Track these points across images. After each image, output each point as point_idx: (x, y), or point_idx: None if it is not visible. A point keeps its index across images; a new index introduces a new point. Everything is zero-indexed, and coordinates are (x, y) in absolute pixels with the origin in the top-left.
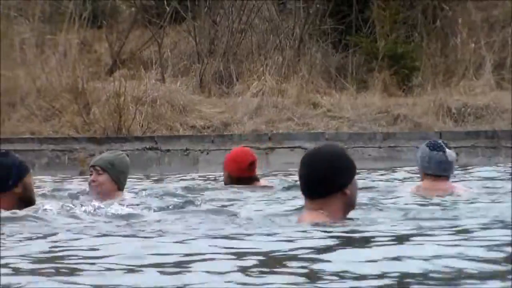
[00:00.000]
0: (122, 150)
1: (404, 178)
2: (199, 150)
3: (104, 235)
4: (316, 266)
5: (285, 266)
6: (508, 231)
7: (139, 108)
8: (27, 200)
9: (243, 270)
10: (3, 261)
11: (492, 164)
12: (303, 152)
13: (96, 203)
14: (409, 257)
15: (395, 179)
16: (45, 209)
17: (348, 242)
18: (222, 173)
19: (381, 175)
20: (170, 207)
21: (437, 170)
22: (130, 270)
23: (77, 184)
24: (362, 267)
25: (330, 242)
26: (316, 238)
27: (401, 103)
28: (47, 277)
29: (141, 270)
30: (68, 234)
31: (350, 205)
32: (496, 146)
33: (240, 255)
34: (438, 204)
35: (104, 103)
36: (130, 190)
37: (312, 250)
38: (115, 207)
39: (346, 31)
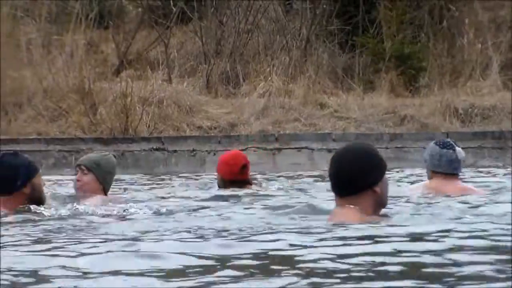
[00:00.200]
0: (129, 151)
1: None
2: (206, 150)
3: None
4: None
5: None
6: None
7: (146, 108)
8: (36, 201)
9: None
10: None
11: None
12: (310, 152)
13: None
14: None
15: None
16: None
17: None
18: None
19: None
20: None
21: (448, 169)
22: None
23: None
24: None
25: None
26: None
27: (408, 104)
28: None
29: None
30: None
31: (381, 203)
32: (503, 147)
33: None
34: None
35: (110, 103)
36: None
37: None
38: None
39: (353, 32)
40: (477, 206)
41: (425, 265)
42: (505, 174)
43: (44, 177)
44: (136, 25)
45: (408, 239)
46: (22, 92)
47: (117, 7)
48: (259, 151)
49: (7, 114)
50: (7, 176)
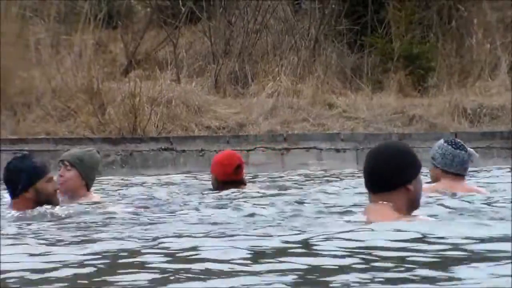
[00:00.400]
0: (137, 151)
1: None
2: (215, 150)
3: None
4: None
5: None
6: None
7: (154, 108)
8: (44, 204)
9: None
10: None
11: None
12: (318, 152)
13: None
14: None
15: None
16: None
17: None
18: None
19: None
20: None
21: (460, 169)
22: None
23: None
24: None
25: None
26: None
27: (417, 104)
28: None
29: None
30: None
31: (414, 202)
32: None
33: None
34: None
35: (119, 103)
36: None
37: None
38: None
39: (362, 32)
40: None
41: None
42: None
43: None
44: (145, 25)
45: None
46: (31, 92)
47: (126, 7)
48: (267, 151)
49: (15, 114)
50: (10, 181)
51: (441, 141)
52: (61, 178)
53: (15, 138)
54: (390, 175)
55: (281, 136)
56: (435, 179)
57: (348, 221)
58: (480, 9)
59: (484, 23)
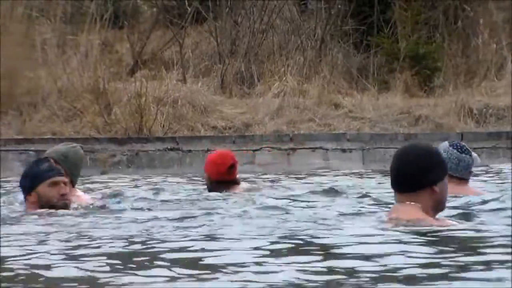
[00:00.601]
0: (143, 151)
1: None
2: None
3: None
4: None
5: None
6: None
7: (161, 108)
8: (47, 208)
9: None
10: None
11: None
12: (324, 152)
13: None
14: None
15: None
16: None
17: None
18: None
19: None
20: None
21: (465, 174)
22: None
23: None
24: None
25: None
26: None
27: (423, 104)
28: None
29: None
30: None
31: (440, 203)
32: None
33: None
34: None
35: (125, 103)
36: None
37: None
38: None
39: (368, 32)
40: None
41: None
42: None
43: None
44: (151, 25)
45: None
46: (37, 92)
47: (132, 7)
48: (273, 151)
49: (22, 114)
50: (20, 184)
51: (446, 144)
52: None
53: (21, 138)
54: (417, 175)
55: (287, 136)
56: None
57: (378, 221)
58: (486, 9)
59: (490, 23)
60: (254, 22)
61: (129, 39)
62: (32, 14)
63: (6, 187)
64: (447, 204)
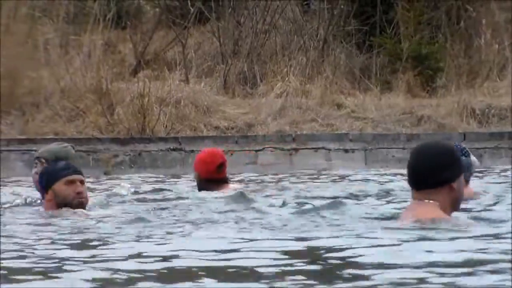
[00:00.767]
0: (146, 151)
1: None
2: (223, 150)
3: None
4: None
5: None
6: None
7: (163, 108)
8: (63, 207)
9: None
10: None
11: None
12: (327, 153)
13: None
14: None
15: None
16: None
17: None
18: (244, 174)
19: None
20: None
21: (465, 175)
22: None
23: None
24: None
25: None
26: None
27: (425, 104)
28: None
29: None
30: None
31: (456, 201)
32: None
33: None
34: None
35: (128, 103)
36: None
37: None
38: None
39: (370, 32)
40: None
41: None
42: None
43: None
44: (154, 25)
45: None
46: (40, 92)
47: (135, 7)
48: (276, 151)
49: (24, 114)
50: (39, 183)
51: None
52: (38, 176)
53: (23, 138)
54: (435, 172)
55: (289, 136)
56: None
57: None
58: (488, 10)
59: (492, 23)
60: (256, 23)
61: (132, 39)
62: (35, 14)
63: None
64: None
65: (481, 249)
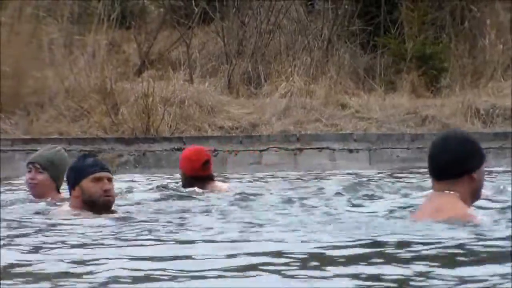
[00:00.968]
0: (150, 151)
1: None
2: (228, 150)
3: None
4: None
5: None
6: None
7: (167, 108)
8: (90, 204)
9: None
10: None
11: None
12: (331, 153)
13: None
14: None
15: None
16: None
17: None
18: (246, 173)
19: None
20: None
21: None
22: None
23: None
24: None
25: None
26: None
27: (429, 104)
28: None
29: None
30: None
31: (476, 191)
32: None
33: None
34: None
35: (132, 103)
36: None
37: None
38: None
39: (375, 32)
40: None
41: None
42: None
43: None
44: (158, 25)
45: None
46: (44, 92)
47: (139, 7)
48: (280, 151)
49: (29, 114)
50: (66, 178)
51: None
52: (33, 181)
53: (28, 138)
54: (456, 162)
55: (294, 136)
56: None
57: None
58: (493, 10)
59: (497, 23)
60: (261, 23)
61: (136, 39)
62: (39, 14)
63: None
64: None
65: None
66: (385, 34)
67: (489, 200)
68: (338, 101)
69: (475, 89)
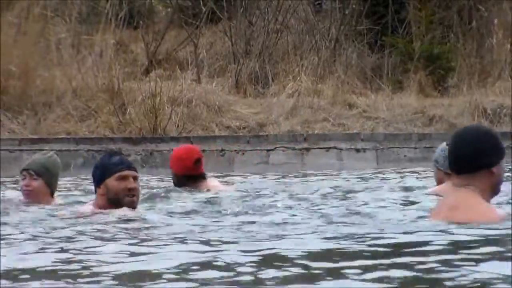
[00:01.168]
0: (158, 151)
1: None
2: (235, 150)
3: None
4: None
5: None
6: None
7: (175, 108)
8: (114, 203)
9: None
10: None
11: None
12: (338, 152)
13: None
14: None
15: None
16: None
17: None
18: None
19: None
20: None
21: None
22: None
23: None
24: None
25: None
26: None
27: (437, 104)
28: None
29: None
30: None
31: (496, 186)
32: None
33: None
34: None
35: (139, 103)
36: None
37: None
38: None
39: (382, 32)
40: None
41: None
42: None
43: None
44: (166, 25)
45: None
46: (52, 91)
47: (147, 7)
48: (287, 151)
49: (36, 113)
50: (92, 176)
51: (444, 144)
52: (28, 188)
53: (36, 137)
54: (476, 156)
55: (301, 136)
56: (439, 181)
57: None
58: (500, 10)
59: (504, 23)
60: (268, 22)
61: (143, 39)
62: (47, 14)
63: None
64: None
65: None
66: (392, 33)
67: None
68: (345, 101)
69: (483, 88)
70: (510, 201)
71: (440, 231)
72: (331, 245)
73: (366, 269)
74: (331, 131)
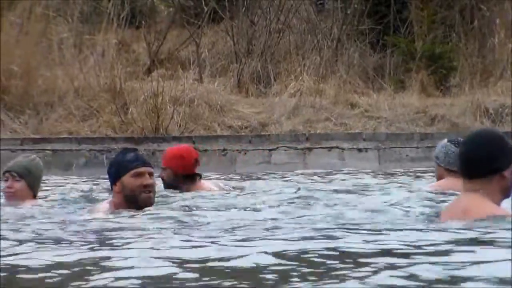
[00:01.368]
0: (160, 150)
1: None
2: (237, 150)
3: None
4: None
5: None
6: None
7: (177, 108)
8: (130, 200)
9: None
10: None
11: None
12: (340, 152)
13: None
14: None
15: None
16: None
17: None
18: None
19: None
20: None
21: (452, 165)
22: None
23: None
24: None
25: None
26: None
27: (439, 104)
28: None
29: None
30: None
31: (507, 190)
32: None
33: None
34: None
35: (141, 103)
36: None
37: None
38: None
39: (384, 31)
40: None
41: None
42: None
43: (71, 177)
44: (168, 24)
45: None
46: (54, 91)
47: (149, 7)
48: (289, 151)
49: (38, 113)
50: (107, 174)
51: (445, 140)
52: (11, 190)
53: (38, 137)
54: (487, 160)
55: (303, 135)
56: (439, 177)
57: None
58: (502, 9)
59: (506, 23)
60: (270, 22)
61: (145, 39)
62: (49, 13)
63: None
64: (446, 198)
65: None
66: (394, 33)
67: None
68: (347, 100)
69: (485, 88)
70: None
71: (449, 231)
72: (332, 244)
73: (370, 269)
74: (333, 131)
